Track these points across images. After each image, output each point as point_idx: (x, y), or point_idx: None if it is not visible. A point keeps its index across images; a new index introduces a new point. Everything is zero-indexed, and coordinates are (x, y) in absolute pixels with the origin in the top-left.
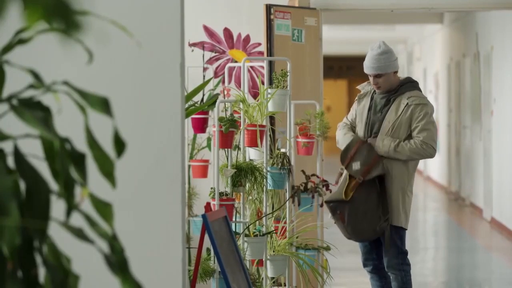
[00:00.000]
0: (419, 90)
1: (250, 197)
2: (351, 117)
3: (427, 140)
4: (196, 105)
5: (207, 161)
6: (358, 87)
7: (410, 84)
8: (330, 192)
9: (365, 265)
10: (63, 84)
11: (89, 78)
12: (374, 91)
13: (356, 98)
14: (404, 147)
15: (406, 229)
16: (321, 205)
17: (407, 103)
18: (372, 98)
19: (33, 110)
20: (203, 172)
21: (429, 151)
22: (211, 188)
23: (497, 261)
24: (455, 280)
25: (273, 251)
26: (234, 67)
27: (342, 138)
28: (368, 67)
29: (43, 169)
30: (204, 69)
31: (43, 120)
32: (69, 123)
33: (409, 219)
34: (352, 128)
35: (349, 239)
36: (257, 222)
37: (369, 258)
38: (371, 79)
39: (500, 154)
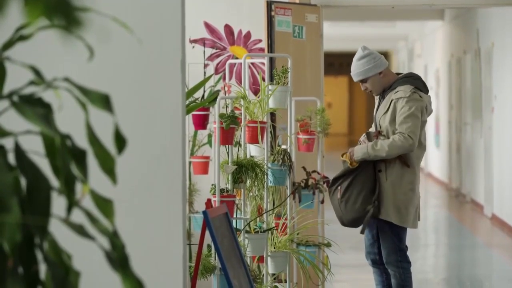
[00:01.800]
0: (412, 84)
1: (251, 194)
2: None
3: (405, 131)
4: (197, 101)
5: (207, 157)
6: None
7: (404, 80)
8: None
9: (366, 258)
10: (64, 81)
11: (90, 75)
12: None
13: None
14: (382, 143)
15: (404, 227)
16: (322, 202)
17: (392, 99)
18: (379, 97)
19: (34, 107)
20: (204, 168)
21: (407, 142)
22: (212, 184)
23: (498, 258)
24: (455, 277)
25: (274, 248)
26: (235, 63)
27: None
28: (352, 75)
29: (44, 165)
30: (205, 66)
31: (44, 117)
32: (70, 120)
33: (406, 217)
34: None
35: (343, 224)
36: (258, 218)
37: (370, 252)
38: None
39: (501, 151)
